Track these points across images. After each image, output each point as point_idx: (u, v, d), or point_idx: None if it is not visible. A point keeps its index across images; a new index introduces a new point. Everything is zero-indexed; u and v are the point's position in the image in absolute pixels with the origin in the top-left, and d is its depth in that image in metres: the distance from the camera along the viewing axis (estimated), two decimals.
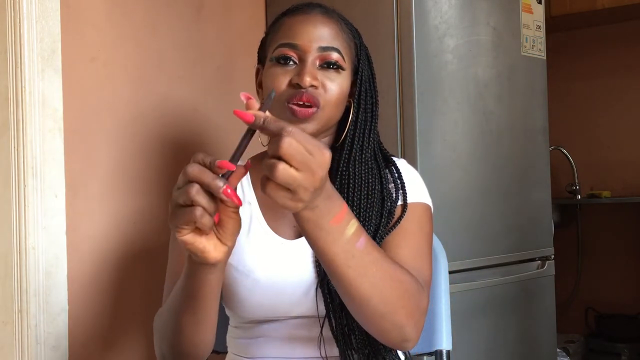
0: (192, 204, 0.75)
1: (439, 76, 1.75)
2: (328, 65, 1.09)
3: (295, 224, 1.13)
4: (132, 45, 1.66)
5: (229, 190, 0.74)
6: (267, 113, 0.76)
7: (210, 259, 0.80)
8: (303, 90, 1.06)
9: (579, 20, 3.22)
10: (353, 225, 0.84)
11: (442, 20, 1.76)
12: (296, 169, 0.72)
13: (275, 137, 0.72)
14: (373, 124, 1.16)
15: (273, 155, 0.73)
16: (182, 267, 0.93)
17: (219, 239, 0.80)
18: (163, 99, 1.73)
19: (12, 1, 1.43)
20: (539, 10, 2.10)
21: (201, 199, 0.74)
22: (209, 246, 0.79)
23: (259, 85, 1.18)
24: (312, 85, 1.06)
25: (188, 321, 0.93)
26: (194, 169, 0.75)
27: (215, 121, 1.85)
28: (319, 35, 1.09)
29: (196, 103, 1.81)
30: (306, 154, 0.72)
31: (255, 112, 0.75)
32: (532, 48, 2.06)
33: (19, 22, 1.42)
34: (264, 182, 0.74)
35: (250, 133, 0.77)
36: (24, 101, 1.42)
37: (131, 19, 1.66)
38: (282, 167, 0.71)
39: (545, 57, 2.11)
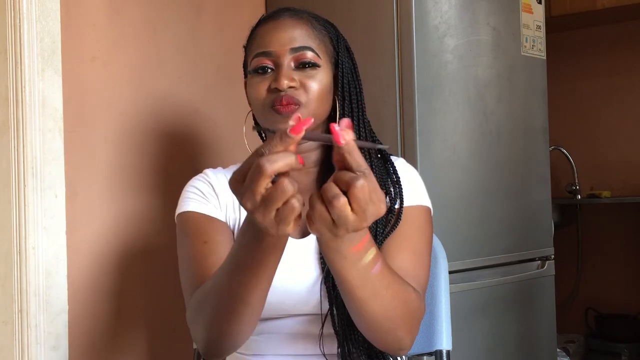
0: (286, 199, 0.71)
1: (439, 76, 1.75)
2: (304, 65, 1.10)
3: (301, 224, 1.14)
4: (132, 45, 1.66)
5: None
6: (351, 135, 0.72)
7: (292, 231, 0.76)
8: (282, 93, 1.07)
9: (579, 20, 3.21)
10: (372, 252, 0.84)
11: (442, 20, 1.76)
12: (352, 209, 0.71)
13: (350, 171, 0.71)
14: (360, 113, 1.16)
15: (339, 179, 0.71)
16: (205, 252, 0.95)
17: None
18: (163, 99, 1.73)
19: (12, 1, 1.43)
20: (539, 10, 2.10)
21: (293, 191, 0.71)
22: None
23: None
24: (291, 87, 1.08)
25: (260, 296, 0.90)
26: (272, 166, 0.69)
27: (215, 121, 1.85)
28: (290, 38, 1.10)
29: (196, 103, 1.81)
30: (369, 201, 0.72)
31: (349, 137, 0.72)
32: (532, 48, 2.05)
33: (19, 22, 1.42)
34: (314, 199, 0.72)
35: (328, 141, 0.73)
36: (24, 101, 1.42)
37: (131, 19, 1.66)
38: (343, 202, 0.71)
39: (545, 57, 2.11)
